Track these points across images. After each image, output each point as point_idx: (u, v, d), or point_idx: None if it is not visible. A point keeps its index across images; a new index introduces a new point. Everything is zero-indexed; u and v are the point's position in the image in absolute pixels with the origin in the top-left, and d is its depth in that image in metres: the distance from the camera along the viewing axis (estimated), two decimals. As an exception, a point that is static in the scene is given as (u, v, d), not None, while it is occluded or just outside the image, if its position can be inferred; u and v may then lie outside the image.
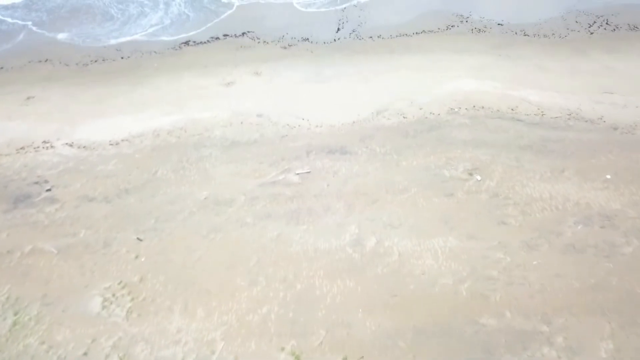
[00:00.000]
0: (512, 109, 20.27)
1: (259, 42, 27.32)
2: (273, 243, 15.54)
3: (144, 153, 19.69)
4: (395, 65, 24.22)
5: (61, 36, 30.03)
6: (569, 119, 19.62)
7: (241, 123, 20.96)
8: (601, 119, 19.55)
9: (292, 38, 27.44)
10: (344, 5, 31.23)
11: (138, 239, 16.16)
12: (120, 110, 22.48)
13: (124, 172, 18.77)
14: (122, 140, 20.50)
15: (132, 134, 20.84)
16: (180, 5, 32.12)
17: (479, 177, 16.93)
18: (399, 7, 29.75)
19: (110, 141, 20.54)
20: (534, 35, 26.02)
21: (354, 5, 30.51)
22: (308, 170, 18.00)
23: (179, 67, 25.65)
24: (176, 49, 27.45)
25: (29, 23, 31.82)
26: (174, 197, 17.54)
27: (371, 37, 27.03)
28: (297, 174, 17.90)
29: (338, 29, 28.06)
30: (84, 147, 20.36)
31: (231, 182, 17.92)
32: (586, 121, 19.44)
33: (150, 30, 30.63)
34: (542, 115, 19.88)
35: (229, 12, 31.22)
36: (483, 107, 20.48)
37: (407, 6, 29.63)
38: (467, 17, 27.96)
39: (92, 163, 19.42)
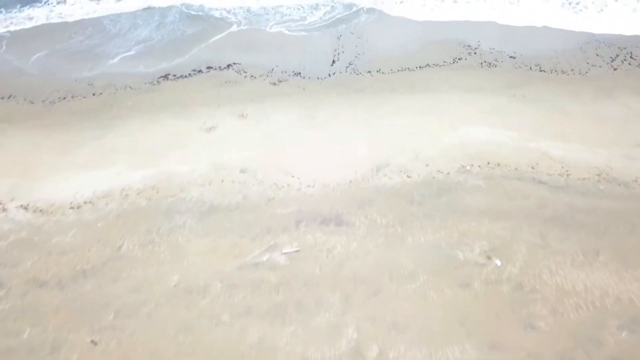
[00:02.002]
0: (533, 167, 17.67)
1: (245, 77, 24.64)
2: (253, 351, 12.87)
3: (108, 220, 17.00)
4: (397, 107, 21.56)
5: (34, 59, 27.63)
6: (598, 180, 17.02)
7: (222, 181, 18.29)
8: (636, 181, 16.95)
9: (282, 72, 24.77)
10: (338, 28, 28.74)
11: (92, 341, 13.47)
12: (86, 162, 19.75)
13: (83, 247, 16.08)
14: (85, 203, 17.80)
15: (96, 193, 18.15)
16: (175, 20, 30.15)
17: (498, 262, 14.31)
18: (400, 35, 27.18)
19: (71, 203, 17.83)
20: (551, 71, 23.36)
21: (351, 32, 27.91)
22: (297, 249, 15.35)
23: (155, 106, 22.91)
24: (154, 84, 24.73)
25: (7, 34, 29.59)
26: (139, 283, 14.85)
27: (370, 71, 24.34)
28: (284, 253, 15.25)
29: (333, 61, 25.38)
30: (40, 211, 17.65)
31: (206, 262, 15.25)
32: (619, 184, 16.83)
33: (133, 51, 28.29)
34: (568, 175, 17.27)
35: (218, 36, 28.76)
36: (499, 165, 17.86)
37: (409, 34, 27.06)
38: (476, 49, 25.33)
39: (48, 233, 16.72)
